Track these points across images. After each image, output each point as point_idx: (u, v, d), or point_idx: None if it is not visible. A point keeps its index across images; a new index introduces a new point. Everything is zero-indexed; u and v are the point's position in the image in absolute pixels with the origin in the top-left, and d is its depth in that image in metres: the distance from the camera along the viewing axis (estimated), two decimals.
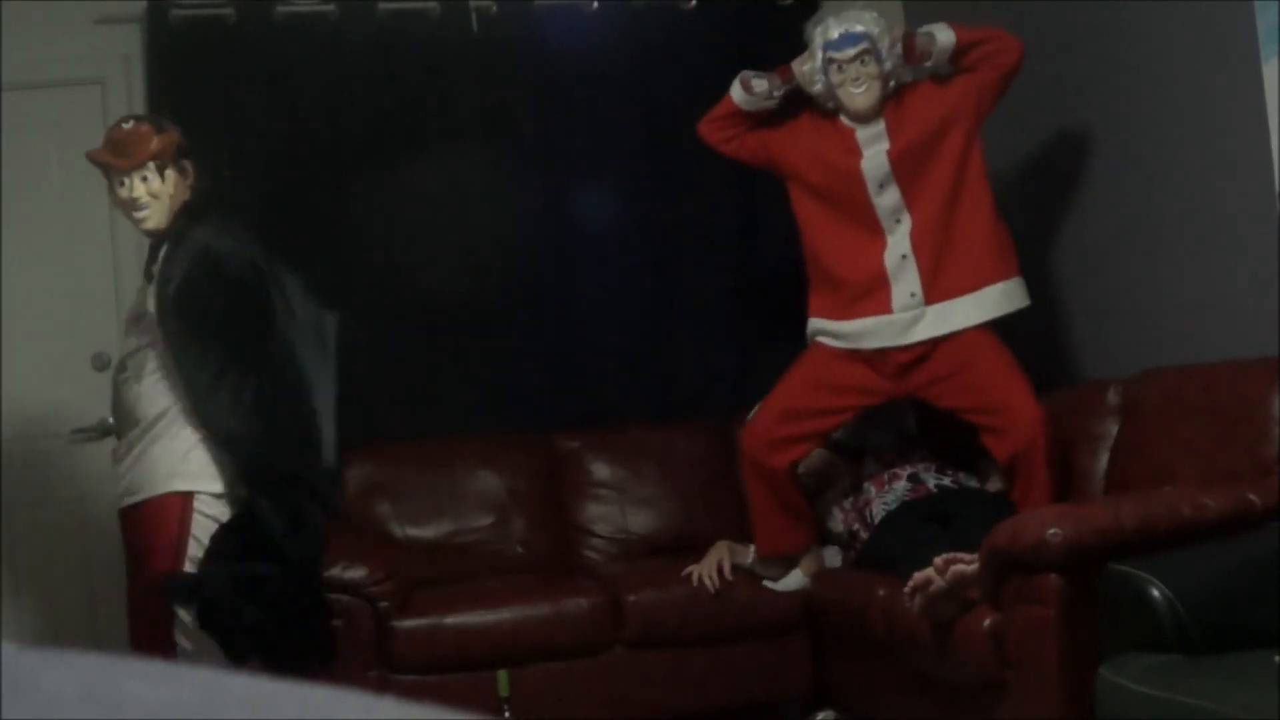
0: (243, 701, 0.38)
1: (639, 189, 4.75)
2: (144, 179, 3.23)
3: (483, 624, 3.77)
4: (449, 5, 4.60)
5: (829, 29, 3.68)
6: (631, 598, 3.88)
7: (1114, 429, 3.60)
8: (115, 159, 3.24)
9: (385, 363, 4.47)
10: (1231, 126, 3.47)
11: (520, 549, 4.30)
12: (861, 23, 3.65)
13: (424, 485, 4.31)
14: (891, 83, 3.70)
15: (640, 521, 4.42)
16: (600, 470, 4.48)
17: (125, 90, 4.50)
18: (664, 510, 4.43)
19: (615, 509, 4.43)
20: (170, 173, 3.25)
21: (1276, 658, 2.09)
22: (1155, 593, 2.31)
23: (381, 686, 3.63)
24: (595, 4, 4.70)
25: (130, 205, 3.25)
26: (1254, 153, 3.36)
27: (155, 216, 3.24)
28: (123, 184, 3.25)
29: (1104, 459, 3.59)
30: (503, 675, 3.38)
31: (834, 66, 3.67)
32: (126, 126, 3.29)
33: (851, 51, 3.64)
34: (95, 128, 4.46)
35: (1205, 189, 3.60)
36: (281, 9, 4.49)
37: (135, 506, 3.20)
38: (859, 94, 3.66)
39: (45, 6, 4.38)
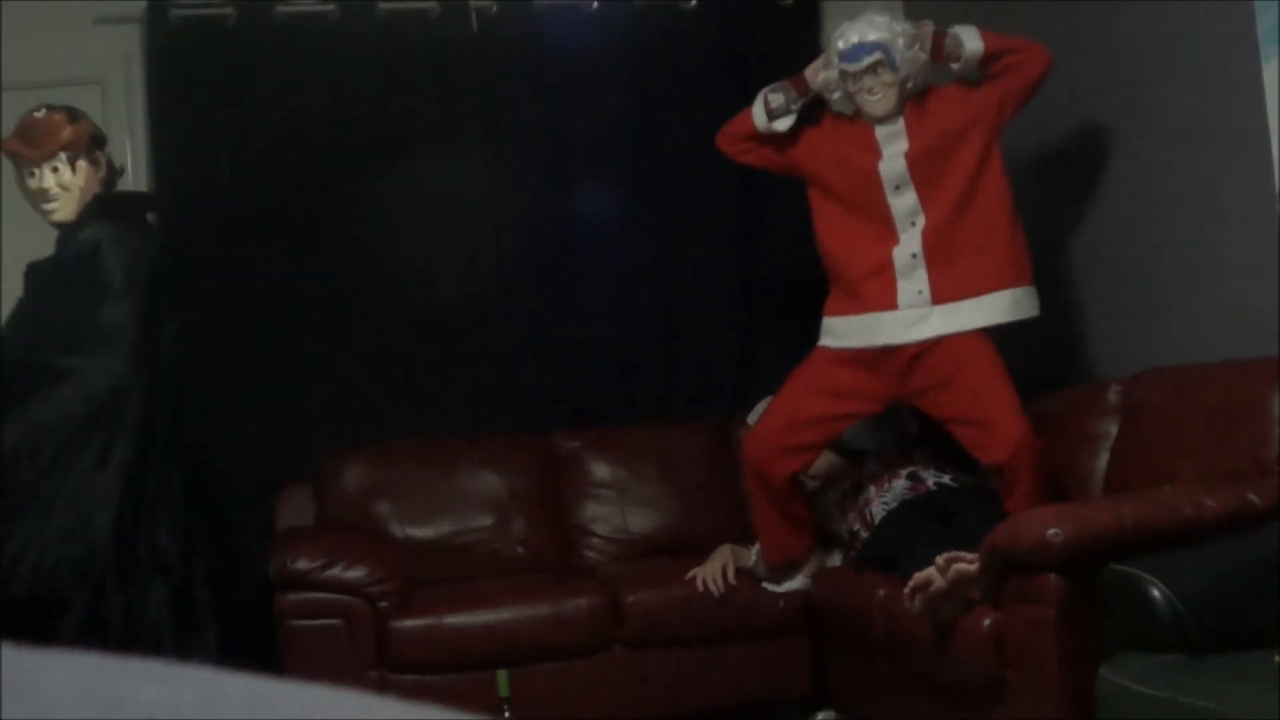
0: (242, 702, 0.38)
1: (639, 189, 4.75)
2: (54, 170, 3.09)
3: (483, 624, 3.77)
4: (449, 5, 4.60)
5: (843, 38, 3.62)
6: (631, 598, 3.88)
7: (1114, 429, 3.59)
8: (26, 148, 3.09)
9: (385, 362, 4.48)
10: (1231, 126, 3.47)
11: (520, 549, 4.29)
12: (875, 29, 3.59)
13: (424, 485, 4.31)
14: (910, 84, 3.65)
15: (640, 521, 4.42)
16: (600, 470, 4.48)
17: (125, 90, 4.49)
18: (664, 510, 4.43)
19: (615, 509, 4.43)
20: (82, 164, 3.12)
21: (1277, 658, 2.09)
22: (1155, 593, 2.31)
23: (381, 686, 3.64)
24: (595, 4, 4.70)
25: (39, 196, 3.11)
26: (1254, 153, 3.36)
27: (64, 209, 3.10)
28: (33, 174, 3.10)
29: (1104, 459, 3.59)
30: (503, 675, 3.38)
31: (850, 76, 3.65)
32: (39, 115, 3.13)
33: (866, 61, 3.59)
34: None
35: (1205, 189, 3.60)
36: (281, 9, 4.49)
37: None
38: (875, 101, 3.63)
39: (45, 6, 4.38)
